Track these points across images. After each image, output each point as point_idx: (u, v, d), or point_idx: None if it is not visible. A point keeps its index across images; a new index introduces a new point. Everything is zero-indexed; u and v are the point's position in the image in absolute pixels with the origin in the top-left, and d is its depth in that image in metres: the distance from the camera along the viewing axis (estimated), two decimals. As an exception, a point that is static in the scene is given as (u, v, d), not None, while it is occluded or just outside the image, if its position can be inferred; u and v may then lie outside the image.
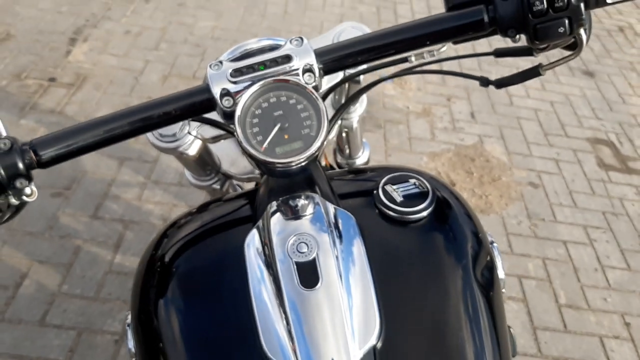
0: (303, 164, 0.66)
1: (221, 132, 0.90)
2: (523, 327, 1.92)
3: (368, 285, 0.64)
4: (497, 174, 2.52)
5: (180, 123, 0.90)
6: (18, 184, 0.63)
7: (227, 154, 1.10)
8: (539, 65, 0.77)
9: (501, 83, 0.82)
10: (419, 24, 0.74)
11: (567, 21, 0.67)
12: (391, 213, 0.72)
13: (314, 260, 0.64)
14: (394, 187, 0.74)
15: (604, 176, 2.59)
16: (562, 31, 0.68)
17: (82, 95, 2.57)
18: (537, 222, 2.32)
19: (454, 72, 0.84)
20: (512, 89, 3.03)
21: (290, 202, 0.70)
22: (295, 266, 0.64)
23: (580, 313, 1.99)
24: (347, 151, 1.26)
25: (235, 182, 1.13)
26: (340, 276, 0.63)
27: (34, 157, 0.64)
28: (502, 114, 2.89)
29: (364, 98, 1.11)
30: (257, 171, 1.06)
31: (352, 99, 0.88)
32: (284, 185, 0.72)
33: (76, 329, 1.69)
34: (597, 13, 4.01)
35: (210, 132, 0.92)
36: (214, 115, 0.72)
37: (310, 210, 0.69)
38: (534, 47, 0.75)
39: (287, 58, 0.69)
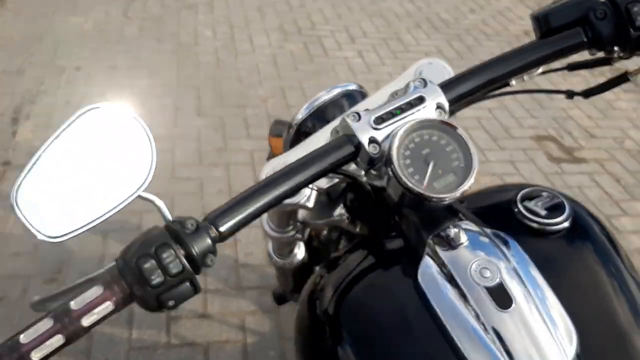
0: (458, 195, 0.71)
1: (335, 181, 0.93)
2: None
3: (553, 297, 0.69)
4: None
5: None
6: (209, 260, 0.64)
7: None
8: (626, 72, 0.86)
9: (589, 93, 0.90)
10: (526, 50, 0.81)
11: None
12: (536, 226, 0.77)
13: (501, 282, 0.68)
14: (532, 202, 0.80)
15: (557, 169, 2.80)
16: None
17: (40, 175, 2.47)
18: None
19: (543, 90, 0.91)
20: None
21: (449, 232, 0.72)
22: (486, 291, 0.67)
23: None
24: None
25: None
26: (529, 293, 0.68)
27: (216, 231, 0.65)
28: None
29: None
30: (336, 214, 1.08)
31: None
32: (433, 217, 0.75)
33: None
34: (503, 15, 4.33)
35: (324, 182, 0.94)
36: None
37: (466, 237, 0.72)
38: (616, 59, 0.84)
39: (420, 99, 0.74)
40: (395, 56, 3.71)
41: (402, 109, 0.73)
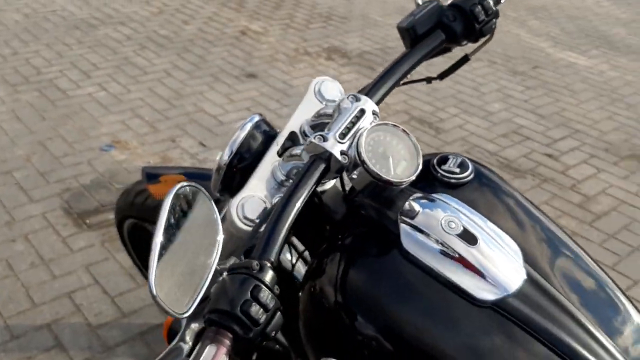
0: (415, 176, 0.92)
1: None
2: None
3: (494, 226, 0.94)
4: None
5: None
6: (276, 289, 0.76)
7: None
8: (466, 55, 1.15)
9: (442, 76, 1.19)
10: (408, 57, 1.06)
11: (494, 19, 1.07)
12: (455, 181, 1.02)
13: (464, 227, 0.91)
14: (445, 165, 1.03)
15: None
16: (494, 27, 1.08)
17: None
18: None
19: (411, 81, 1.16)
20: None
21: (412, 205, 0.94)
22: (457, 237, 0.90)
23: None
24: None
25: None
26: (482, 229, 0.93)
27: (269, 263, 0.77)
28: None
29: None
30: None
31: None
32: (393, 199, 0.96)
33: None
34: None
35: None
36: None
37: (423, 205, 0.94)
38: (462, 43, 1.12)
39: (362, 111, 0.94)
40: (137, 80, 3.72)
41: (353, 123, 0.92)
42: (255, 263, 0.75)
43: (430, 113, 3.65)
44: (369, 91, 1.02)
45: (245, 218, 0.95)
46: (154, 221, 1.52)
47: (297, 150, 0.99)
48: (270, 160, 1.03)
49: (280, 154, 1.03)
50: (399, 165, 0.93)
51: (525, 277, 0.89)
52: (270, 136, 1.08)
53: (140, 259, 1.81)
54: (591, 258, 1.00)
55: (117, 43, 4.22)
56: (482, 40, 1.12)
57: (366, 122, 0.94)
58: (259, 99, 3.62)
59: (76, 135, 3.11)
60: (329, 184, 1.08)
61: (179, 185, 0.75)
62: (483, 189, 1.04)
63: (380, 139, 0.93)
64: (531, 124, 3.59)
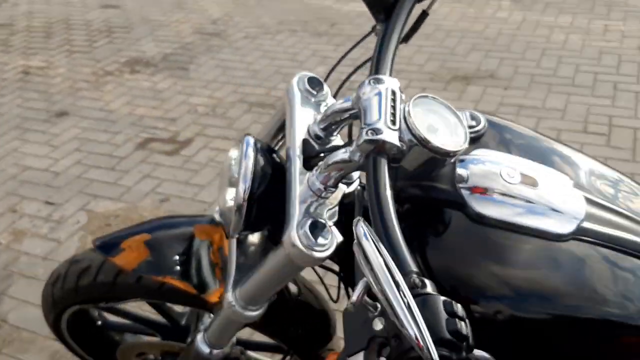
0: (467, 145, 0.88)
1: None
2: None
3: (535, 163, 0.94)
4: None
5: None
6: None
7: None
8: (424, 11, 1.11)
9: (406, 38, 1.14)
10: (396, 24, 1.00)
11: None
12: (476, 135, 0.99)
13: (521, 173, 0.90)
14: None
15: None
16: None
17: None
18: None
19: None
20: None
21: (464, 170, 0.90)
22: (521, 184, 0.89)
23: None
24: None
25: None
26: (534, 168, 0.93)
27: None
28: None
29: None
30: None
31: None
32: (444, 171, 0.91)
33: None
34: None
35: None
36: None
37: (473, 166, 0.92)
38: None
39: (394, 93, 0.86)
40: None
41: (393, 107, 0.84)
42: (416, 280, 0.65)
43: (265, 95, 3.59)
44: (377, 70, 0.94)
45: (318, 245, 0.83)
46: (110, 298, 1.29)
47: (341, 156, 0.86)
48: (296, 178, 0.90)
49: (309, 167, 0.91)
50: (449, 137, 0.87)
51: (584, 199, 0.90)
52: (270, 152, 0.95)
53: (84, 346, 1.53)
54: (608, 166, 1.05)
55: None
56: None
57: (400, 101, 0.86)
58: (84, 135, 3.26)
59: None
60: (353, 186, 1.00)
61: None
62: (501, 134, 1.03)
63: (422, 113, 0.86)
64: (360, 77, 3.70)
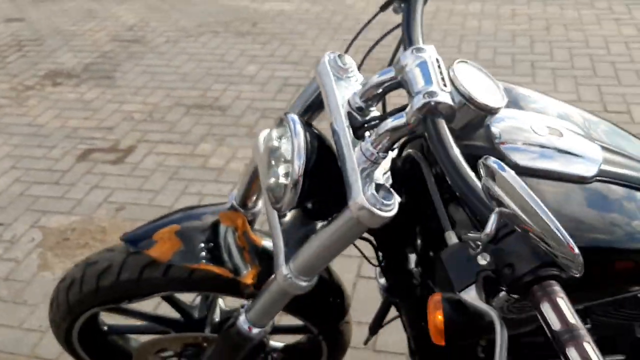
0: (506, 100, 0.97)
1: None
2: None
3: (561, 120, 1.06)
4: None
5: None
6: None
7: None
8: None
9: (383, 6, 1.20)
10: None
11: None
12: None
13: (548, 126, 1.01)
14: None
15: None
16: None
17: None
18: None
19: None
20: None
21: (499, 126, 1.00)
22: (550, 136, 1.00)
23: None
24: None
25: None
26: (562, 117, 1.04)
27: None
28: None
29: None
30: None
31: None
32: (483, 129, 1.00)
33: None
34: None
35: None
36: None
37: (507, 122, 1.01)
38: None
39: (438, 60, 0.94)
40: None
41: (441, 72, 0.91)
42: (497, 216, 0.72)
43: (201, 96, 3.57)
44: (410, 40, 1.01)
45: (385, 205, 0.88)
46: (133, 295, 1.28)
47: (395, 123, 0.92)
48: (349, 147, 0.95)
49: (360, 137, 0.96)
50: (490, 95, 0.96)
51: (599, 145, 1.02)
52: (311, 127, 0.99)
53: (94, 355, 1.49)
54: (603, 119, 1.18)
55: None
56: None
57: (443, 66, 0.94)
58: (17, 152, 3.10)
59: None
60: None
61: None
62: (513, 94, 1.13)
63: (463, 76, 0.95)
64: (292, 72, 3.77)
